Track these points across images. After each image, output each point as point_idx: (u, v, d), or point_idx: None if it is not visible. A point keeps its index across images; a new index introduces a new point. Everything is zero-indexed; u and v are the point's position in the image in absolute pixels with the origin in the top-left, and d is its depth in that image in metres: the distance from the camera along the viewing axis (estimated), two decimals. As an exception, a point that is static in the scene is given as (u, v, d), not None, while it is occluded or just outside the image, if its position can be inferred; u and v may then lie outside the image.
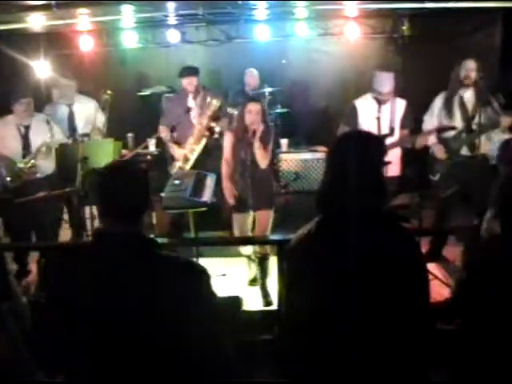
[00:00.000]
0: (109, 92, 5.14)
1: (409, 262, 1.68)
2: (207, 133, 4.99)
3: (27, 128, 4.90)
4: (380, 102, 4.69)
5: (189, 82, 5.15)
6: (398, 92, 4.81)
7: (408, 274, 1.66)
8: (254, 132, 4.20)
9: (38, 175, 4.92)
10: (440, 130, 4.68)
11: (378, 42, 7.04)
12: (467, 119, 4.65)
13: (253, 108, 4.21)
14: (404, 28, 6.84)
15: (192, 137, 5.03)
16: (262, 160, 4.27)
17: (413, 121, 4.80)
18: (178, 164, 5.05)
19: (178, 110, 5.24)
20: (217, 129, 5.00)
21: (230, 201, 4.35)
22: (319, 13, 6.60)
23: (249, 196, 4.28)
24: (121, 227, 1.66)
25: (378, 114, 4.68)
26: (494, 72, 5.51)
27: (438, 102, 4.80)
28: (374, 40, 7.01)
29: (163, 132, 5.30)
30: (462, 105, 4.67)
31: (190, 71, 5.20)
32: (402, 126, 4.74)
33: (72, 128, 5.43)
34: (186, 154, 5.03)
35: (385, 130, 4.67)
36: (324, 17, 6.88)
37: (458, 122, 4.68)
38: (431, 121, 4.83)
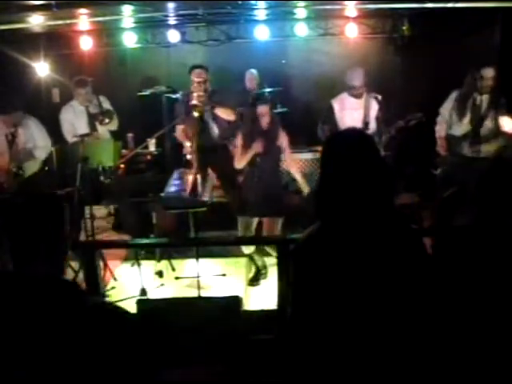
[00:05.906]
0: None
1: (416, 262, 1.67)
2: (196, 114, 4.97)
3: (14, 133, 4.96)
4: (356, 97, 4.88)
5: (198, 74, 5.15)
6: (375, 88, 4.95)
7: (415, 273, 1.65)
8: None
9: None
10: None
11: (378, 42, 7.05)
12: (476, 124, 4.58)
13: (264, 110, 4.37)
14: (404, 28, 6.84)
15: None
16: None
17: (387, 114, 4.83)
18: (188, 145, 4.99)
19: (183, 109, 5.26)
20: (193, 102, 4.94)
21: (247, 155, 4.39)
22: (319, 13, 6.61)
23: (254, 201, 4.29)
24: None
25: (354, 109, 4.85)
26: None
27: (450, 102, 4.74)
28: (373, 40, 7.02)
29: (178, 131, 5.33)
30: (475, 109, 4.61)
31: (199, 65, 5.22)
32: (378, 120, 4.81)
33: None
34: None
35: (359, 125, 4.71)
36: (324, 17, 6.89)
37: (466, 124, 4.64)
38: (441, 123, 4.81)
